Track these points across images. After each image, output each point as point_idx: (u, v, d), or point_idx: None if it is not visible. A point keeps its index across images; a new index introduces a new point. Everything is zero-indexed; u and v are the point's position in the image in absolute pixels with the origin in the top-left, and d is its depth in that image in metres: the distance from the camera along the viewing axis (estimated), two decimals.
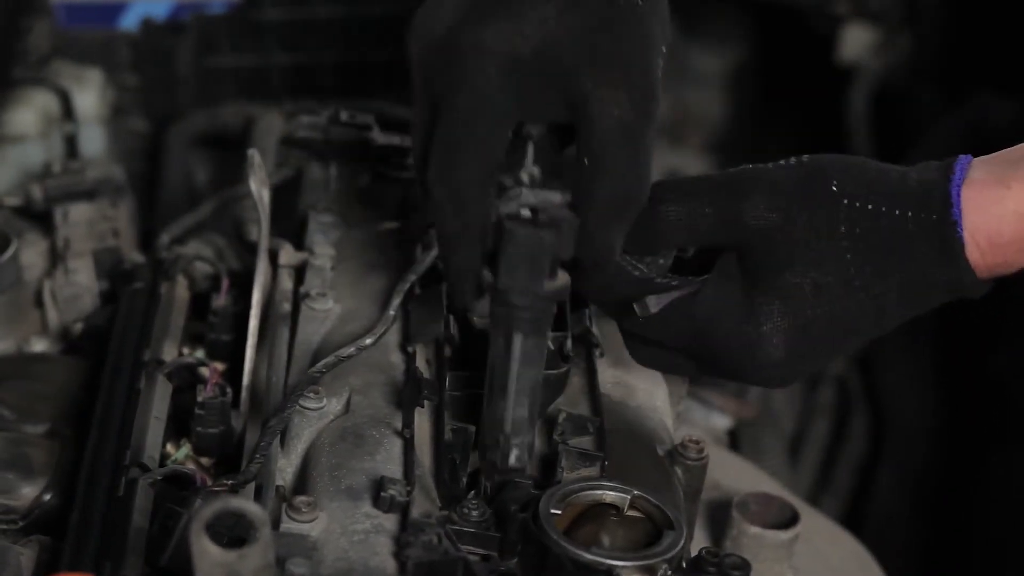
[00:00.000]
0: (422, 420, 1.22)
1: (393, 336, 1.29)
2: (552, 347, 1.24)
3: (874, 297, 1.13)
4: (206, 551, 0.95)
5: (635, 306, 1.17)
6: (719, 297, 1.15)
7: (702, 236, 1.16)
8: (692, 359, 1.19)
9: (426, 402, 1.20)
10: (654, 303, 1.17)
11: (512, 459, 1.12)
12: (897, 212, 1.12)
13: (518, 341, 1.10)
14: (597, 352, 1.30)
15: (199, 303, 1.46)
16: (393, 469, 1.16)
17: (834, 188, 1.13)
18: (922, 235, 1.12)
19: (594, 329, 1.30)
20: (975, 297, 1.15)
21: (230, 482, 1.16)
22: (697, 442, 1.25)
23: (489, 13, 1.09)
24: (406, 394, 1.21)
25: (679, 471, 1.24)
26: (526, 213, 1.08)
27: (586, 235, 1.11)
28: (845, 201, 1.13)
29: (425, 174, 1.11)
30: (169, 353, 1.36)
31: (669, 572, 1.08)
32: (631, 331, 1.19)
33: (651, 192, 1.14)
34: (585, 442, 1.21)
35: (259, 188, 1.27)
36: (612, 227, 1.12)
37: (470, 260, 1.11)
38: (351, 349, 1.25)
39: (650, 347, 1.19)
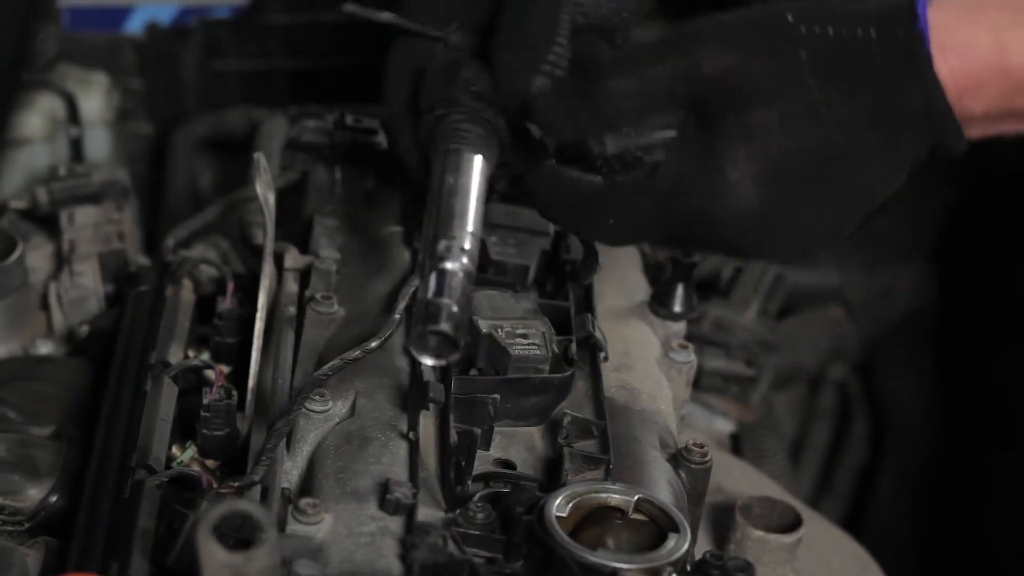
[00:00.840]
0: (427, 423, 1.22)
1: (398, 339, 1.30)
2: (557, 351, 1.25)
3: (841, 124, 1.09)
4: (213, 553, 0.96)
5: (591, 143, 1.16)
6: (681, 158, 1.12)
7: (658, 101, 1.13)
8: (664, 234, 1.16)
9: (431, 405, 1.20)
10: (611, 143, 1.17)
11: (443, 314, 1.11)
12: (860, 32, 1.09)
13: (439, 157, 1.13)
14: (601, 356, 1.30)
15: (204, 306, 1.46)
16: (398, 472, 1.16)
17: (790, 19, 1.10)
18: (887, 51, 1.08)
19: (598, 333, 1.30)
20: (955, 150, 1.10)
21: (236, 484, 1.17)
22: (701, 446, 1.26)
23: None
24: (411, 397, 1.22)
25: (683, 474, 1.25)
26: None
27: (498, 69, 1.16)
28: (803, 28, 1.09)
29: None
30: (175, 355, 1.36)
31: (674, 575, 1.08)
32: (593, 208, 1.16)
33: (598, 70, 1.13)
34: (589, 445, 1.21)
35: (264, 192, 1.28)
36: (518, 55, 1.17)
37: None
38: (356, 352, 1.25)
39: (616, 223, 1.16)
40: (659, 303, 1.40)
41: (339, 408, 1.24)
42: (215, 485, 1.20)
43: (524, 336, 1.24)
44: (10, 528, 1.27)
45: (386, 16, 1.21)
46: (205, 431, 1.28)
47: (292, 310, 1.37)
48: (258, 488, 1.17)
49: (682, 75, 1.11)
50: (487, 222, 1.39)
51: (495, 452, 1.23)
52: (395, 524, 1.12)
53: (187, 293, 1.45)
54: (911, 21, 1.08)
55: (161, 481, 1.20)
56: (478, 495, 1.16)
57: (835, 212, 1.13)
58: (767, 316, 1.84)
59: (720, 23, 1.12)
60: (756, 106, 1.09)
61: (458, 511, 1.13)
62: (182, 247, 1.53)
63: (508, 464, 1.22)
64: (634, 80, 1.12)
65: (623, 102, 1.13)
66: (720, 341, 1.80)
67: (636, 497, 1.14)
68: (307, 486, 1.19)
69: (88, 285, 1.53)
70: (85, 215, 1.56)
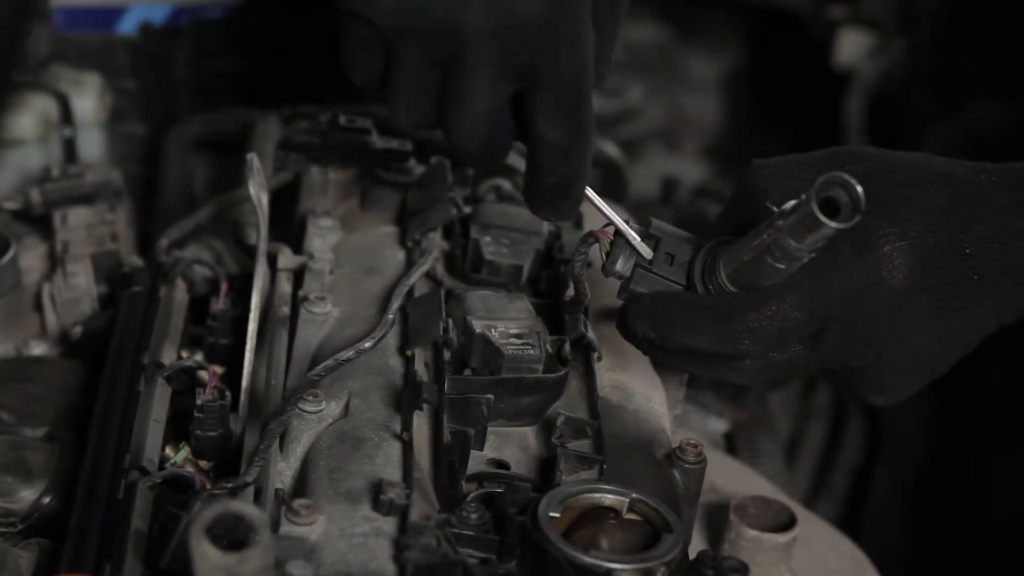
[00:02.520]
0: (421, 423, 1.22)
1: (392, 340, 1.30)
2: (551, 351, 1.25)
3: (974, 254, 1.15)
4: (206, 554, 0.96)
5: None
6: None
7: (791, 331, 1.16)
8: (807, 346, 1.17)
9: (425, 405, 1.20)
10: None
11: None
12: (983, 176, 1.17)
13: None
14: (595, 356, 1.30)
15: (198, 306, 1.46)
16: (392, 472, 1.16)
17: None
18: (1005, 187, 1.16)
19: (591, 333, 1.30)
20: None
21: (229, 485, 1.17)
22: (695, 445, 1.26)
23: None
24: (405, 397, 1.22)
25: (677, 474, 1.25)
26: None
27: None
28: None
29: None
30: (168, 356, 1.36)
31: (668, 575, 1.08)
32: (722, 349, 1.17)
33: (735, 301, 1.16)
34: (583, 445, 1.21)
35: (258, 192, 1.28)
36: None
37: None
38: (350, 353, 1.25)
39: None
40: None
41: (332, 409, 1.24)
42: (208, 486, 1.20)
43: (518, 336, 1.24)
44: (3, 530, 1.26)
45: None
46: (198, 432, 1.27)
47: (286, 311, 1.37)
48: (251, 489, 1.17)
49: (816, 304, 1.14)
50: (481, 223, 1.40)
51: (489, 452, 1.23)
52: (388, 525, 1.12)
53: (180, 294, 1.45)
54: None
55: (154, 482, 1.20)
56: (472, 495, 1.16)
57: (962, 340, 1.19)
58: None
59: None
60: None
61: (452, 511, 1.13)
62: (175, 248, 1.53)
63: (502, 464, 1.22)
64: (776, 323, 1.14)
65: (761, 340, 1.15)
66: None
67: (630, 497, 1.14)
68: (300, 487, 1.18)
69: (81, 286, 1.53)
70: (78, 216, 1.56)
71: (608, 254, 1.22)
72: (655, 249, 1.21)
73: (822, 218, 1.07)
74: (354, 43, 1.20)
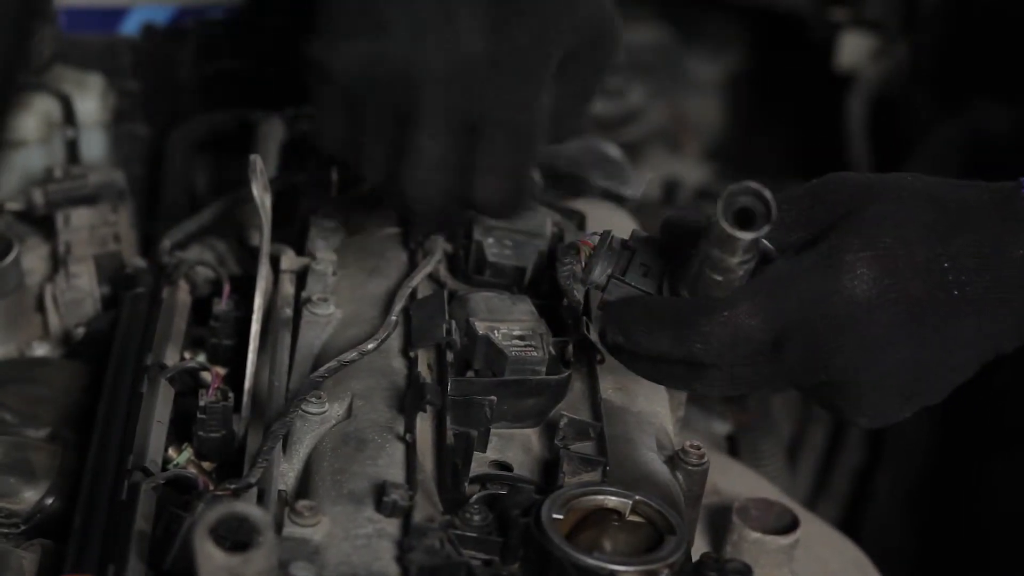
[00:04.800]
0: (424, 425, 1.22)
1: (395, 341, 1.30)
2: (554, 352, 1.25)
3: (953, 269, 1.11)
4: (210, 555, 0.96)
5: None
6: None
7: (752, 345, 1.12)
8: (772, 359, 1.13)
9: (428, 407, 1.20)
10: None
11: None
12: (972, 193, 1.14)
13: None
14: (598, 358, 1.30)
15: (200, 308, 1.46)
16: (395, 474, 1.16)
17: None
18: (996, 208, 1.12)
19: (593, 335, 1.30)
20: None
21: (233, 487, 1.17)
22: (698, 447, 1.26)
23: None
24: (408, 399, 1.22)
25: (680, 476, 1.25)
26: None
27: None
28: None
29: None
30: (171, 357, 1.36)
31: None
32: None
33: (697, 307, 1.13)
34: (586, 447, 1.21)
35: (261, 193, 1.28)
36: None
37: None
38: (353, 354, 1.25)
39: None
40: None
41: (336, 410, 1.24)
42: (212, 487, 1.20)
43: (521, 338, 1.24)
44: (6, 531, 1.26)
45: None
46: (201, 433, 1.27)
47: (288, 312, 1.37)
48: (255, 490, 1.17)
49: (770, 311, 1.10)
50: (484, 224, 1.40)
51: (492, 454, 1.23)
52: (392, 526, 1.12)
53: (183, 295, 1.45)
54: (1017, 189, 1.13)
55: (157, 483, 1.20)
56: (475, 497, 1.16)
57: (943, 360, 1.14)
58: None
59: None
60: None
61: (455, 513, 1.13)
62: (178, 249, 1.53)
63: (505, 466, 1.22)
64: (729, 330, 1.10)
65: (714, 347, 1.11)
66: None
67: (633, 499, 1.14)
68: (304, 488, 1.18)
69: (84, 287, 1.53)
70: (81, 217, 1.56)
71: (586, 265, 1.22)
72: (631, 259, 1.21)
73: (730, 230, 1.06)
74: (320, 106, 1.18)
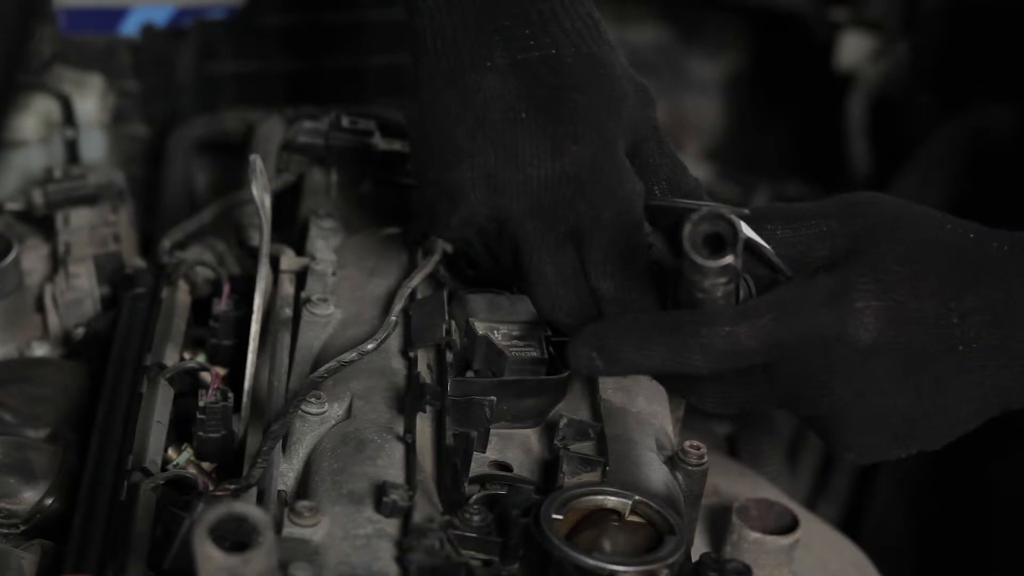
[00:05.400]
0: (424, 425, 1.22)
1: (395, 341, 1.30)
2: (553, 353, 1.25)
3: (964, 319, 1.10)
4: (209, 555, 0.96)
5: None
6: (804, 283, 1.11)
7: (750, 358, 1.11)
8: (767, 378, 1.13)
9: (428, 407, 1.20)
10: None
11: None
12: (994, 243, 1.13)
13: None
14: None
15: (200, 308, 1.46)
16: (395, 474, 1.16)
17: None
18: (1007, 257, 1.12)
19: None
20: None
21: (232, 487, 1.17)
22: (698, 447, 1.26)
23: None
24: (408, 399, 1.22)
25: (680, 476, 1.25)
26: None
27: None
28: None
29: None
30: (171, 358, 1.36)
31: None
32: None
33: (693, 318, 1.12)
34: (586, 447, 1.21)
35: (260, 193, 1.28)
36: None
37: None
38: (353, 354, 1.25)
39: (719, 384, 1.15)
40: None
41: (335, 410, 1.24)
42: (211, 488, 1.20)
43: (521, 338, 1.24)
44: (6, 531, 1.26)
45: None
46: (201, 433, 1.27)
47: (288, 312, 1.37)
48: (254, 491, 1.17)
49: (772, 340, 1.10)
50: None
51: (491, 454, 1.23)
52: (391, 527, 1.12)
53: (183, 295, 1.45)
54: None
55: (157, 484, 1.20)
56: (474, 497, 1.16)
57: (942, 411, 1.13)
58: None
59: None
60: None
61: (455, 513, 1.13)
62: (178, 249, 1.53)
63: (504, 466, 1.22)
64: (729, 345, 1.10)
65: (712, 359, 1.11)
66: None
67: (633, 499, 1.14)
68: (303, 488, 1.18)
69: (84, 287, 1.53)
70: (81, 217, 1.56)
71: None
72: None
73: (697, 259, 1.06)
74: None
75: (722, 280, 1.09)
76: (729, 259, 1.06)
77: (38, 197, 1.57)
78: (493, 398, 1.21)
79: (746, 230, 1.14)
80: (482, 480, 1.19)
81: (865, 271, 1.10)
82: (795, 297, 1.11)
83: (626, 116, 1.21)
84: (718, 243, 1.07)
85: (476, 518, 1.13)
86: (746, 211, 1.15)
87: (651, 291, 1.18)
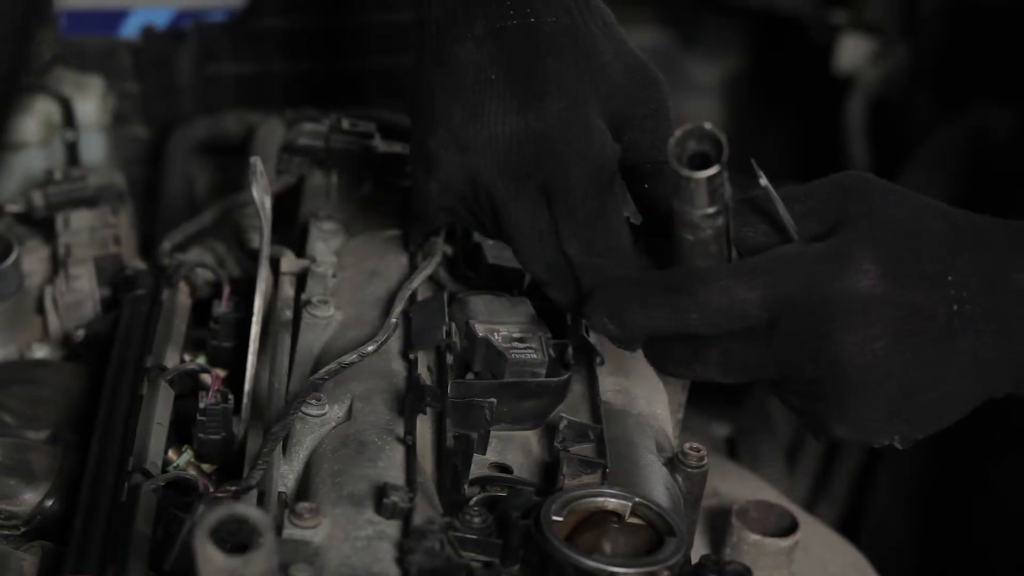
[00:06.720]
0: (424, 427, 1.22)
1: (395, 343, 1.30)
2: (553, 355, 1.25)
3: (957, 297, 1.10)
4: (210, 557, 0.96)
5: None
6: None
7: (750, 319, 1.11)
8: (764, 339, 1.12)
9: (428, 409, 1.20)
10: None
11: None
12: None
13: None
14: (597, 360, 1.30)
15: (200, 310, 1.46)
16: (395, 476, 1.16)
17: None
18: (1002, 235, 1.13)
19: (593, 337, 1.30)
20: None
21: (233, 488, 1.17)
22: (697, 449, 1.26)
23: None
24: (408, 401, 1.22)
25: (679, 478, 1.25)
26: None
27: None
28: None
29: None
30: (171, 359, 1.36)
31: None
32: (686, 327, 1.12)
33: (688, 276, 1.12)
34: (586, 449, 1.22)
35: (261, 195, 1.28)
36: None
37: None
38: (353, 356, 1.25)
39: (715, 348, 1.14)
40: None
41: (336, 412, 1.24)
42: (212, 489, 1.20)
43: (521, 340, 1.24)
44: (6, 532, 1.27)
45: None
46: (201, 435, 1.27)
47: (288, 314, 1.37)
48: (255, 492, 1.17)
49: (769, 289, 1.10)
50: None
51: (492, 456, 1.23)
52: (392, 528, 1.12)
53: (183, 297, 1.45)
54: None
55: (157, 485, 1.20)
56: (475, 499, 1.16)
57: (935, 383, 1.12)
58: None
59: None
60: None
61: (455, 515, 1.13)
62: (178, 251, 1.53)
63: (505, 468, 1.22)
64: (726, 299, 1.10)
65: (710, 316, 1.11)
66: None
67: (633, 501, 1.14)
68: (304, 490, 1.19)
69: (84, 289, 1.52)
70: (81, 219, 1.56)
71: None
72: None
73: (683, 172, 1.05)
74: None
75: (711, 210, 1.08)
76: (715, 169, 1.05)
77: (38, 199, 1.57)
78: (493, 400, 1.21)
79: (764, 180, 1.14)
80: (482, 482, 1.19)
81: (863, 233, 1.11)
82: (794, 253, 1.11)
83: (604, 86, 1.21)
84: (704, 163, 1.06)
85: (476, 520, 1.13)
86: (754, 163, 1.15)
87: (624, 254, 1.18)
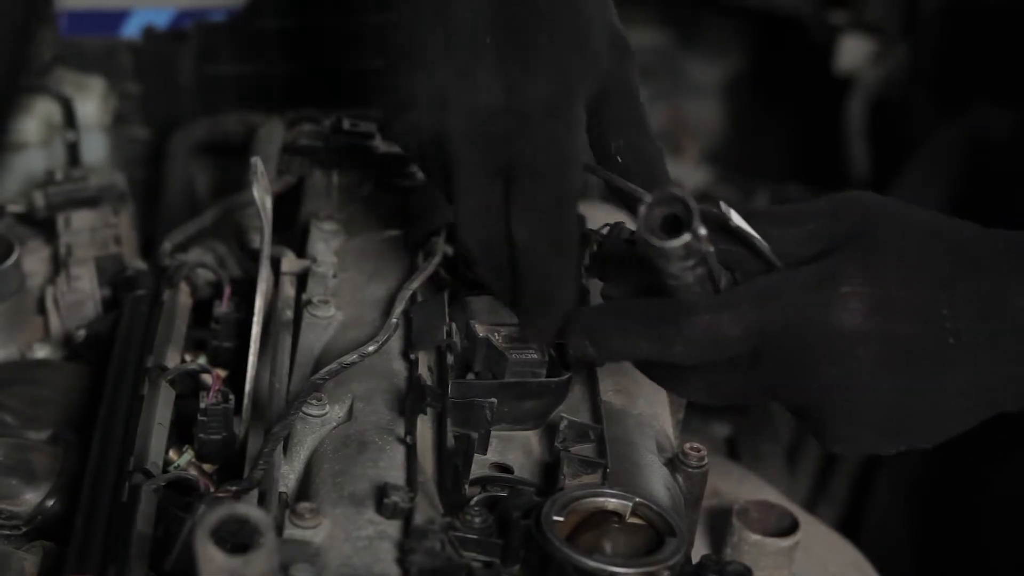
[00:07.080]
0: (424, 427, 1.22)
1: (395, 343, 1.30)
2: (554, 355, 1.25)
3: (952, 317, 1.08)
4: (211, 557, 0.96)
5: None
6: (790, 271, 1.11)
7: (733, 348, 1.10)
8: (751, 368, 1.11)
9: (429, 409, 1.20)
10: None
11: None
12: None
13: None
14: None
15: (201, 310, 1.46)
16: (396, 476, 1.16)
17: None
18: (999, 255, 1.10)
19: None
20: None
21: (234, 488, 1.17)
22: (698, 449, 1.26)
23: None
24: (409, 401, 1.22)
25: (680, 478, 1.25)
26: None
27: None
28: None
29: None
30: (172, 359, 1.36)
31: None
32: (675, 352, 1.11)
33: (674, 307, 1.11)
34: (586, 449, 1.22)
35: (261, 196, 1.28)
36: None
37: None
38: (354, 356, 1.25)
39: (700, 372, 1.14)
40: None
41: (336, 412, 1.24)
42: (212, 489, 1.20)
43: (521, 340, 1.24)
44: (7, 532, 1.27)
45: None
46: (202, 435, 1.28)
47: (289, 314, 1.37)
48: (255, 492, 1.17)
49: (754, 326, 1.09)
50: None
51: (492, 456, 1.23)
52: (392, 528, 1.12)
53: (184, 297, 1.45)
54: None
55: (158, 485, 1.20)
56: (475, 499, 1.16)
57: (934, 406, 1.11)
58: None
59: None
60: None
61: (455, 515, 1.13)
62: (179, 251, 1.53)
63: (505, 468, 1.22)
64: (710, 334, 1.09)
65: (694, 350, 1.10)
66: None
67: (633, 501, 1.14)
68: (304, 490, 1.19)
69: (85, 289, 1.53)
70: (82, 219, 1.56)
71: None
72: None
73: (655, 243, 1.04)
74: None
75: (689, 263, 1.07)
76: (687, 238, 1.04)
77: (39, 199, 1.57)
78: (494, 400, 1.21)
79: (736, 219, 1.13)
80: (483, 482, 1.19)
81: (853, 260, 1.09)
82: (779, 284, 1.10)
83: (591, 66, 1.21)
84: (676, 225, 1.05)
85: (477, 520, 1.13)
86: (724, 205, 1.14)
87: (568, 255, 1.18)
